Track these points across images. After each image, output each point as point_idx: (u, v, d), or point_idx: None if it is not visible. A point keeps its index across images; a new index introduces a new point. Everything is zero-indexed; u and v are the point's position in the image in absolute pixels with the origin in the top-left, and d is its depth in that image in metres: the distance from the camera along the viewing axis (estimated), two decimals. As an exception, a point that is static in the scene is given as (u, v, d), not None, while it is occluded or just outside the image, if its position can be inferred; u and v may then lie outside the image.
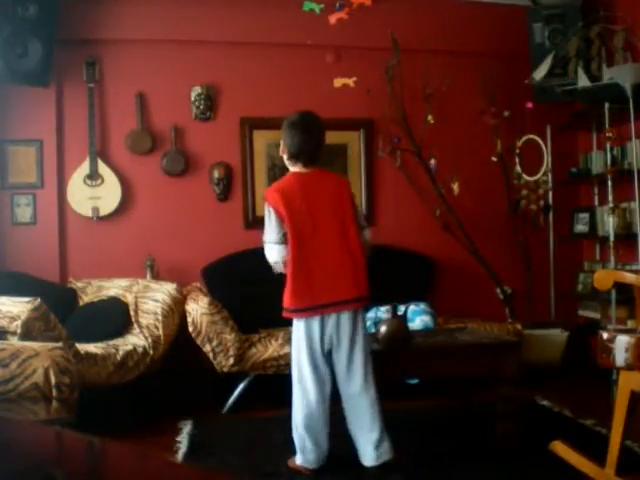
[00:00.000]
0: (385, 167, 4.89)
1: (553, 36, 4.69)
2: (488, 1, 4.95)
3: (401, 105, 4.62)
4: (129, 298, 4.02)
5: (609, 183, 4.41)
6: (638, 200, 4.09)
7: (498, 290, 4.74)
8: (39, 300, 3.13)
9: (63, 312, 3.66)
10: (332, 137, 4.77)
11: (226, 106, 4.71)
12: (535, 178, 4.86)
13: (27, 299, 3.12)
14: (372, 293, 2.84)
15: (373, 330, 3.51)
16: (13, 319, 3.03)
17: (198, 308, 3.82)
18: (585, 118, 4.84)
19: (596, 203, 5.04)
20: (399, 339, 3.13)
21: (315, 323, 2.75)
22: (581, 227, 5.09)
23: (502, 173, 4.80)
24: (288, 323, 4.15)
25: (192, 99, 4.64)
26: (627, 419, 2.51)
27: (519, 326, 4.29)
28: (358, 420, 2.78)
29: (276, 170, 4.77)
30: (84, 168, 4.44)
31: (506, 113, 4.69)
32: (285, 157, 2.89)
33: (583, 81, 4.34)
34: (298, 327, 2.80)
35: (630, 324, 3.95)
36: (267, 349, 3.82)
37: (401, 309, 3.27)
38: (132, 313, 3.93)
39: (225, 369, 3.79)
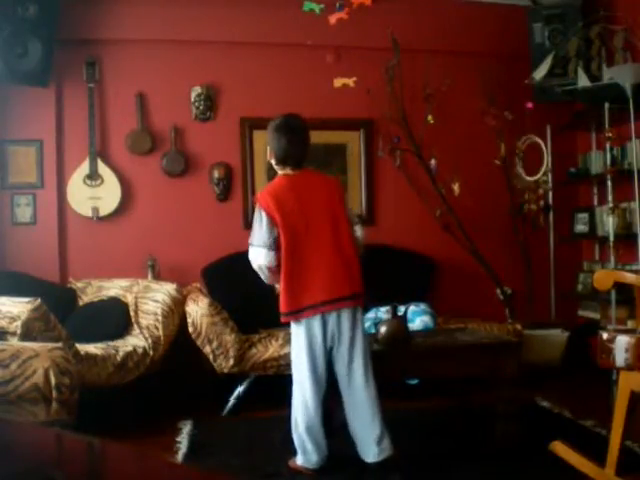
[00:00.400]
0: (385, 167, 4.89)
1: (553, 36, 4.69)
2: (488, 1, 4.95)
3: (401, 105, 4.62)
4: (129, 298, 4.02)
5: (609, 183, 4.41)
6: (638, 200, 4.09)
7: (498, 290, 4.74)
8: (39, 300, 3.12)
9: (63, 312, 3.66)
10: (332, 137, 4.80)
11: (226, 106, 4.71)
12: (535, 178, 4.86)
13: (27, 299, 3.11)
14: (372, 293, 2.86)
15: (373, 330, 3.51)
16: (13, 319, 3.03)
17: (198, 309, 3.82)
18: (585, 118, 4.84)
19: (596, 203, 5.04)
20: (399, 339, 3.14)
21: (316, 323, 2.76)
22: (581, 227, 5.09)
23: (503, 174, 4.80)
24: (288, 323, 4.15)
25: (192, 99, 4.64)
26: (627, 419, 2.51)
27: (519, 326, 4.29)
28: (359, 416, 2.79)
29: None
30: (84, 168, 4.44)
31: (509, 116, 4.67)
32: (273, 162, 2.91)
33: (583, 81, 4.34)
34: (298, 330, 2.80)
35: (630, 324, 3.95)
36: (267, 349, 3.82)
37: (401, 309, 3.27)
38: (132, 313, 3.92)
39: (225, 370, 3.79)
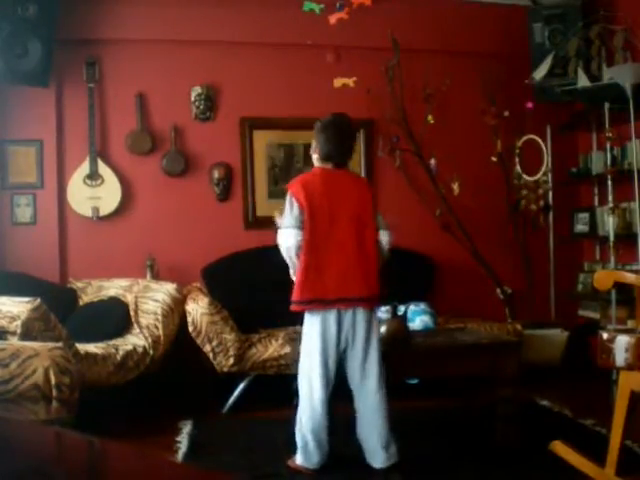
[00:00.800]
0: (385, 167, 4.89)
1: (553, 36, 4.69)
2: (488, 1, 4.95)
3: (401, 105, 4.62)
4: (129, 298, 4.02)
5: (609, 183, 4.42)
6: (638, 200, 4.09)
7: (498, 290, 4.74)
8: (39, 300, 3.12)
9: (63, 312, 3.66)
10: (332, 137, 4.80)
11: (226, 106, 4.72)
12: (535, 178, 4.86)
13: (27, 299, 3.11)
14: (381, 290, 2.83)
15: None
16: (13, 319, 3.03)
17: (198, 308, 3.82)
18: (585, 118, 4.84)
19: (596, 203, 5.03)
20: (399, 339, 3.13)
21: (332, 318, 2.74)
22: (581, 227, 5.09)
23: (502, 173, 4.81)
24: (288, 323, 4.15)
25: (192, 99, 4.64)
26: (627, 419, 2.51)
27: (519, 326, 4.29)
28: (371, 420, 2.77)
29: (276, 170, 4.78)
30: (84, 168, 4.44)
31: (506, 113, 4.69)
32: (315, 157, 2.92)
33: (583, 81, 4.34)
34: (312, 321, 2.78)
35: (630, 324, 3.94)
36: (267, 349, 3.82)
37: (401, 309, 3.27)
38: (132, 313, 3.93)
39: (225, 369, 3.79)
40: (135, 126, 4.55)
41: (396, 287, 4.16)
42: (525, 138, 4.85)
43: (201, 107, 4.64)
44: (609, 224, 4.45)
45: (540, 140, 4.87)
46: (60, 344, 2.91)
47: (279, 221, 2.89)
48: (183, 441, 3.25)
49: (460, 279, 4.89)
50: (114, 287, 4.16)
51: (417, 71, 4.72)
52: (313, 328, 2.77)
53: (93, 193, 4.44)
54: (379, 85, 4.59)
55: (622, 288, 3.63)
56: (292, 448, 2.86)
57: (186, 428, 3.45)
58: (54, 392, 2.67)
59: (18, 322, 3.02)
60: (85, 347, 3.43)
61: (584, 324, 4.89)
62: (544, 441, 2.94)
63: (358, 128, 4.84)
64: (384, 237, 2.87)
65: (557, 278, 5.13)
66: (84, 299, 4.16)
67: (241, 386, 3.87)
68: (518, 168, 4.85)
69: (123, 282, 4.19)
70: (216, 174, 4.65)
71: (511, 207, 4.84)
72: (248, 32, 4.63)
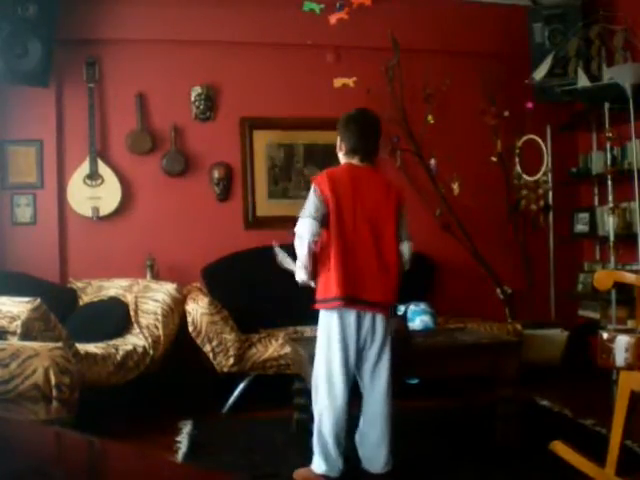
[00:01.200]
0: (385, 167, 4.87)
1: (553, 36, 4.69)
2: (488, 1, 4.95)
3: (401, 105, 4.62)
4: (129, 298, 4.02)
5: (609, 183, 4.42)
6: (638, 200, 4.09)
7: (498, 290, 4.74)
8: (39, 300, 3.12)
9: (63, 312, 3.66)
10: (332, 137, 4.74)
11: (226, 106, 4.72)
12: (535, 178, 4.86)
13: (27, 299, 3.11)
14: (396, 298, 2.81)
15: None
16: (13, 319, 3.03)
17: (198, 308, 3.82)
18: (585, 118, 4.84)
19: (596, 203, 5.03)
20: (399, 339, 3.13)
21: (352, 317, 2.68)
22: (581, 227, 5.09)
23: (502, 173, 4.81)
24: (288, 323, 4.15)
25: (192, 99, 4.64)
26: (627, 419, 2.51)
27: (519, 326, 4.29)
28: (375, 426, 2.74)
29: (276, 170, 4.78)
30: (84, 168, 4.44)
31: (506, 113, 4.69)
32: (341, 153, 2.85)
33: (583, 81, 4.34)
34: (330, 321, 2.69)
35: (630, 324, 3.94)
36: (267, 349, 3.82)
37: (401, 309, 3.27)
38: (132, 313, 3.93)
39: (225, 369, 3.79)
40: (135, 126, 4.55)
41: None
42: (525, 138, 4.85)
43: (201, 107, 4.64)
44: (609, 224, 4.45)
45: (540, 140, 4.87)
46: (60, 344, 2.91)
47: (280, 254, 2.84)
48: (183, 441, 3.25)
49: (460, 279, 4.89)
50: (114, 287, 4.16)
51: (417, 71, 4.72)
52: (333, 326, 2.68)
53: (93, 193, 4.44)
54: (379, 85, 4.59)
55: (622, 288, 3.62)
56: (292, 448, 2.85)
57: (186, 428, 3.45)
58: (54, 392, 2.67)
59: (18, 322, 3.02)
60: (85, 347, 3.43)
61: (584, 324, 4.89)
62: (544, 441, 2.94)
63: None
64: (406, 250, 2.80)
65: (557, 278, 5.13)
66: (84, 299, 4.16)
67: (241, 386, 3.87)
68: (518, 168, 4.85)
69: (123, 282, 4.19)
70: (216, 174, 4.65)
71: (511, 207, 4.84)
72: (248, 32, 4.64)
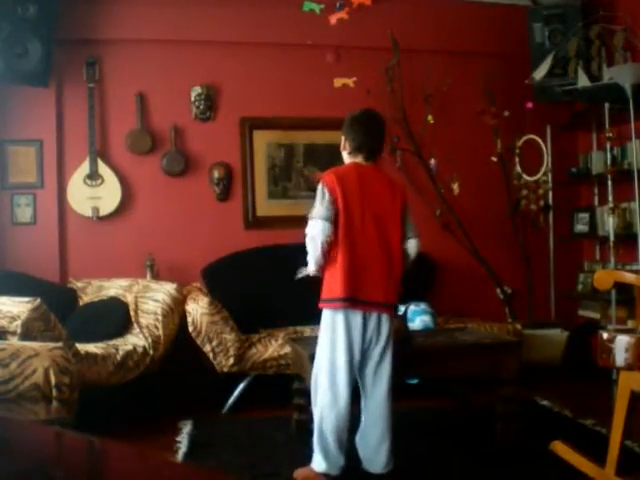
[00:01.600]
0: (385, 167, 4.86)
1: (553, 36, 4.69)
2: (488, 1, 4.96)
3: (401, 105, 4.62)
4: (129, 298, 4.02)
5: (609, 183, 4.42)
6: (638, 200, 4.09)
7: (498, 290, 4.74)
8: (39, 300, 3.12)
9: (63, 312, 3.66)
10: (332, 137, 4.78)
11: (226, 106, 4.72)
12: (535, 178, 4.86)
13: (27, 299, 3.11)
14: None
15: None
16: (13, 319, 3.03)
17: (198, 308, 3.82)
18: (585, 118, 4.84)
19: (596, 203, 5.03)
20: (399, 339, 3.13)
21: (358, 318, 2.67)
22: (581, 227, 5.09)
23: (502, 173, 4.81)
24: (288, 323, 4.15)
25: (192, 99, 4.64)
26: (627, 419, 2.51)
27: (519, 326, 4.29)
28: (376, 426, 2.74)
29: (276, 170, 4.78)
30: (84, 168, 4.44)
31: (506, 113, 4.69)
32: (346, 152, 2.85)
33: (583, 81, 4.34)
34: (335, 320, 2.68)
35: (630, 324, 3.95)
36: (267, 349, 3.82)
37: (401, 309, 3.27)
38: (132, 313, 3.92)
39: (225, 369, 3.79)
40: (135, 126, 4.55)
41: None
42: (525, 138, 4.85)
43: (201, 107, 4.64)
44: (609, 224, 4.45)
45: (540, 140, 4.87)
46: (60, 344, 2.91)
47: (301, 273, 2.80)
48: (183, 441, 3.25)
49: (460, 279, 4.89)
50: (114, 287, 4.16)
51: (417, 71, 4.72)
52: (338, 325, 2.67)
53: (93, 193, 4.44)
54: (379, 85, 4.59)
55: (622, 288, 3.63)
56: (292, 448, 2.85)
57: (186, 428, 3.46)
58: (54, 392, 2.67)
59: (18, 322, 3.02)
60: (85, 347, 3.43)
61: (584, 324, 4.90)
62: (544, 441, 2.94)
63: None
64: (413, 247, 2.79)
65: (557, 278, 5.13)
66: (84, 299, 4.16)
67: (241, 386, 3.87)
68: (518, 168, 4.85)
69: (123, 282, 4.18)
70: (216, 174, 4.65)
71: (511, 207, 4.84)
72: (248, 32, 4.64)
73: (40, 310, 3.10)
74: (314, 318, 2.83)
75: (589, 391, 4.14)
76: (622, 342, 2.51)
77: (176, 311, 3.88)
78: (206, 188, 4.68)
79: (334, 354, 2.68)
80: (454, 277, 4.90)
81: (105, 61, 4.54)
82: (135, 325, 3.87)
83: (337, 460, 2.68)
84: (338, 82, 4.64)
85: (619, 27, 4.44)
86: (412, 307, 3.78)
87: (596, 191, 5.05)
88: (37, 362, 2.67)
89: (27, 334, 3.00)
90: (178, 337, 3.90)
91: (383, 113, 4.51)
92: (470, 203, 4.80)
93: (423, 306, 4.07)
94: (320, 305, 2.73)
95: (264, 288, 4.32)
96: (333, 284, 2.67)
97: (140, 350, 3.65)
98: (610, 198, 4.40)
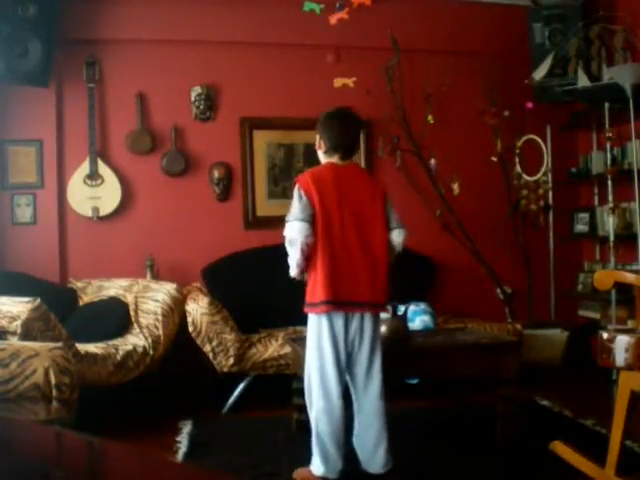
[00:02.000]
0: (385, 167, 4.89)
1: (553, 36, 4.69)
2: (488, 1, 4.96)
3: (401, 105, 4.62)
4: (129, 298, 4.02)
5: (609, 183, 4.42)
6: (638, 200, 4.09)
7: (498, 290, 4.74)
8: (39, 300, 3.12)
9: (63, 312, 3.66)
10: (332, 137, 4.81)
11: (226, 106, 4.72)
12: (535, 178, 4.86)
13: (27, 299, 3.11)
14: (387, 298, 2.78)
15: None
16: (13, 319, 3.03)
17: (198, 308, 3.82)
18: (585, 118, 4.84)
19: (596, 203, 5.04)
20: (399, 339, 3.13)
21: (339, 320, 2.67)
22: (581, 227, 5.09)
23: (502, 173, 4.81)
24: (288, 323, 4.15)
25: (192, 99, 4.64)
26: (627, 419, 2.51)
27: (519, 326, 4.29)
28: (370, 426, 2.73)
29: (276, 170, 4.78)
30: (84, 168, 4.44)
31: (506, 113, 4.69)
32: (321, 151, 2.81)
33: (583, 81, 4.34)
34: (320, 324, 2.68)
35: (630, 324, 3.95)
36: (267, 349, 3.82)
37: (401, 309, 3.27)
38: (132, 313, 3.93)
39: (225, 369, 3.79)
40: (135, 126, 4.55)
41: (396, 287, 4.18)
42: (525, 138, 4.85)
43: (201, 107, 4.64)
44: (609, 224, 4.45)
45: (540, 140, 4.87)
46: (60, 344, 2.91)
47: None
48: (183, 441, 3.25)
49: (460, 279, 4.89)
50: (114, 287, 4.16)
51: (417, 71, 4.72)
52: (323, 328, 2.67)
53: (93, 193, 4.44)
54: (379, 85, 4.59)
55: (622, 288, 3.63)
56: (292, 448, 2.85)
57: (186, 428, 3.45)
58: (54, 392, 2.67)
59: (18, 322, 3.02)
60: (85, 347, 3.43)
61: (584, 324, 4.90)
62: (544, 441, 2.94)
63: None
64: (397, 237, 2.78)
65: (557, 278, 5.13)
66: (84, 299, 4.16)
67: (241, 386, 3.87)
68: (518, 168, 4.85)
69: (123, 282, 4.19)
70: (216, 174, 4.65)
71: (511, 207, 4.84)
72: (248, 32, 4.64)
73: (40, 310, 3.10)
74: (314, 318, 2.82)
75: (589, 391, 4.14)
76: (622, 342, 2.51)
77: (176, 311, 3.88)
78: (206, 188, 4.68)
79: (322, 358, 2.69)
80: (454, 277, 4.90)
81: (105, 61, 4.54)
82: (135, 325, 3.87)
83: (335, 464, 2.68)
84: (338, 82, 4.64)
85: (619, 27, 4.44)
86: (412, 307, 3.78)
87: (596, 191, 5.06)
88: (37, 362, 2.67)
89: (27, 334, 3.00)
90: (178, 337, 3.90)
91: (383, 113, 4.61)
92: (470, 203, 4.80)
93: (423, 306, 4.08)
94: (305, 310, 2.73)
95: (264, 288, 4.32)
96: (314, 288, 2.66)
97: (140, 350, 3.65)
98: (610, 198, 4.40)
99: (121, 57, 4.57)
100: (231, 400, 3.87)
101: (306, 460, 2.76)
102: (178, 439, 3.28)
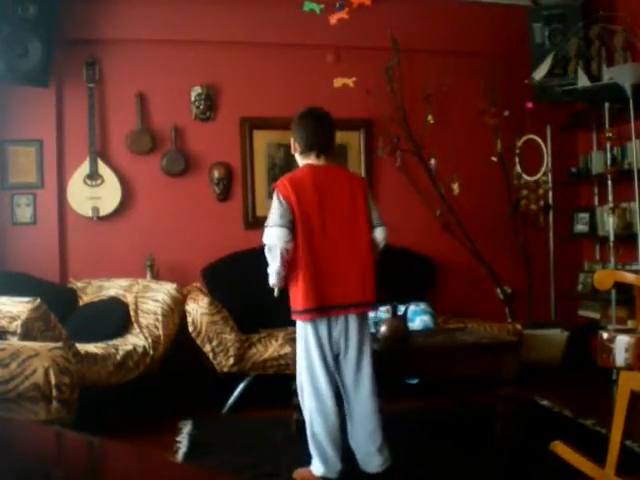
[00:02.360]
0: (385, 167, 4.89)
1: (553, 36, 4.69)
2: (488, 1, 4.96)
3: (401, 105, 4.62)
4: (129, 298, 4.02)
5: (609, 183, 4.42)
6: (638, 200, 4.09)
7: (498, 290, 4.74)
8: (39, 300, 3.12)
9: (63, 312, 3.66)
10: (332, 137, 4.81)
11: (226, 106, 4.72)
12: (535, 178, 4.86)
13: (27, 299, 3.11)
14: (376, 295, 2.76)
15: (373, 330, 3.51)
16: (13, 319, 3.03)
17: (198, 308, 3.82)
18: (585, 118, 4.84)
19: (596, 203, 5.04)
20: (399, 339, 3.14)
21: (323, 326, 2.67)
22: (581, 227, 5.09)
23: (502, 173, 4.81)
24: (288, 323, 4.14)
25: (192, 99, 4.64)
26: (627, 419, 2.51)
27: (519, 326, 4.29)
28: (364, 426, 2.72)
29: (276, 170, 4.78)
30: (84, 168, 4.44)
31: (506, 113, 4.69)
32: (297, 152, 2.80)
33: (583, 81, 4.34)
34: (306, 329, 2.70)
35: (630, 324, 3.95)
36: (267, 349, 3.82)
37: (401, 309, 3.27)
38: (132, 313, 3.93)
39: (225, 369, 3.79)
40: (135, 126, 4.55)
41: (396, 287, 4.19)
42: (525, 138, 4.85)
43: (201, 107, 4.64)
44: (609, 224, 4.45)
45: (540, 140, 4.87)
46: (60, 344, 2.91)
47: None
48: (183, 441, 3.25)
49: (460, 279, 4.89)
50: (114, 287, 4.16)
51: (417, 71, 4.72)
52: (308, 334, 2.69)
53: (93, 193, 4.44)
54: (379, 85, 4.59)
55: (622, 288, 3.63)
56: (291, 448, 2.85)
57: (186, 428, 3.46)
58: (54, 392, 2.67)
59: (18, 322, 3.02)
60: (85, 347, 3.43)
61: (584, 324, 4.90)
62: (544, 441, 2.94)
63: (358, 128, 4.86)
64: (380, 235, 2.75)
65: (557, 278, 5.13)
66: (84, 299, 4.16)
67: (241, 386, 3.87)
68: (518, 168, 4.85)
69: (123, 282, 4.19)
70: (216, 174, 4.65)
71: (511, 207, 4.84)
72: (248, 32, 4.64)
73: (40, 310, 3.10)
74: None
75: (589, 391, 4.14)
76: (622, 342, 2.51)
77: (176, 311, 3.88)
78: (206, 188, 4.68)
79: (311, 362, 2.70)
80: (454, 277, 4.90)
81: (105, 61, 4.54)
82: (135, 325, 3.87)
83: (335, 464, 2.68)
84: (338, 82, 4.64)
85: (619, 27, 4.44)
86: (412, 307, 3.78)
87: (596, 191, 5.06)
88: (37, 362, 2.67)
89: (27, 334, 3.00)
90: (178, 337, 3.90)
91: (383, 113, 4.61)
92: (470, 203, 4.80)
93: (423, 306, 4.08)
94: (292, 317, 2.74)
95: (264, 288, 4.29)
96: (297, 295, 2.67)
97: (140, 350, 3.65)
98: (610, 198, 4.40)
99: (121, 57, 4.57)
100: (231, 400, 3.87)
101: (306, 460, 2.76)
102: (178, 439, 3.28)
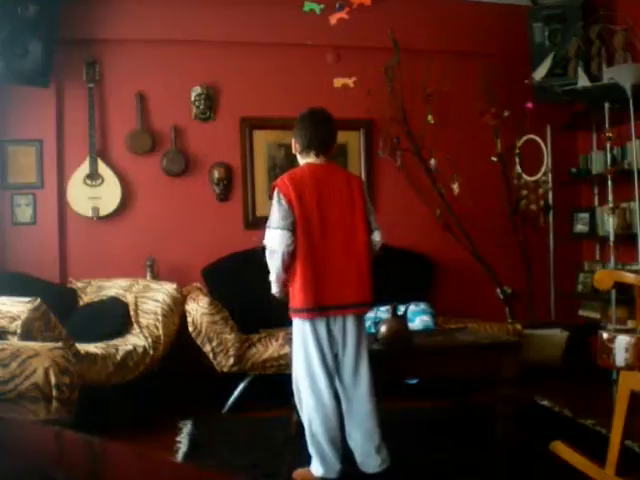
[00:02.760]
0: (385, 167, 4.89)
1: (553, 36, 4.69)
2: (488, 1, 4.96)
3: (401, 105, 4.62)
4: (129, 298, 4.02)
5: (609, 183, 4.41)
6: (638, 200, 4.09)
7: (498, 290, 4.73)
8: (39, 300, 3.12)
9: (63, 312, 3.66)
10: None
11: (226, 106, 4.72)
12: (535, 178, 4.86)
13: (27, 299, 3.11)
14: (374, 295, 2.77)
15: (373, 330, 3.51)
16: (13, 319, 3.03)
17: (198, 308, 3.82)
18: (585, 118, 4.84)
19: (596, 203, 5.04)
20: (399, 339, 3.13)
21: (322, 325, 2.68)
22: (581, 227, 5.09)
23: (502, 173, 4.80)
24: (288, 323, 4.14)
25: (192, 99, 4.64)
26: (627, 419, 2.51)
27: (519, 326, 4.28)
28: (361, 426, 2.72)
29: (276, 170, 4.77)
30: (84, 168, 4.44)
31: (506, 113, 4.69)
32: (298, 151, 2.83)
33: (583, 81, 4.34)
34: (304, 328, 2.70)
35: (630, 324, 3.95)
36: (267, 349, 3.82)
37: (401, 309, 3.27)
38: (132, 313, 3.93)
39: (225, 369, 3.79)
40: (135, 126, 4.55)
41: (396, 287, 4.18)
42: (525, 138, 4.84)
43: (201, 107, 4.64)
44: (609, 224, 4.45)
45: (540, 140, 4.86)
46: (60, 344, 2.91)
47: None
48: (183, 441, 3.25)
49: (460, 279, 4.89)
50: (114, 287, 4.16)
51: (417, 71, 4.72)
52: (307, 332, 2.69)
53: (93, 193, 4.44)
54: (379, 85, 4.59)
55: (622, 288, 3.63)
56: (291, 448, 2.85)
57: (186, 428, 3.46)
58: (54, 392, 2.67)
59: (18, 322, 3.02)
60: (85, 347, 3.43)
61: (584, 324, 4.89)
62: (544, 441, 2.95)
63: (358, 128, 4.86)
64: (377, 237, 2.77)
65: (557, 278, 5.13)
66: (84, 299, 4.16)
67: (241, 386, 3.87)
68: (518, 168, 4.85)
69: (123, 282, 4.19)
70: (216, 174, 4.65)
71: (511, 207, 4.84)
72: (248, 32, 4.64)
73: (40, 310, 3.10)
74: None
75: (589, 391, 4.13)
76: (622, 342, 2.52)
77: (176, 311, 3.89)
78: (206, 188, 4.68)
79: (310, 361, 2.70)
80: (454, 277, 4.90)
81: (105, 61, 4.54)
82: (135, 325, 3.87)
83: (334, 464, 2.68)
84: (338, 82, 4.64)
85: (619, 27, 4.44)
86: (412, 307, 3.79)
87: (596, 191, 5.06)
88: (37, 362, 2.67)
89: (27, 334, 3.00)
90: (178, 337, 3.90)
91: (383, 113, 4.60)
92: (470, 203, 4.79)
93: (423, 306, 4.08)
94: (290, 315, 2.75)
95: (264, 288, 4.30)
96: (296, 293, 2.68)
97: (140, 350, 3.65)
98: (610, 198, 4.39)
99: (121, 57, 4.57)
100: (231, 400, 3.87)
101: (306, 460, 2.76)
102: (178, 439, 3.28)
